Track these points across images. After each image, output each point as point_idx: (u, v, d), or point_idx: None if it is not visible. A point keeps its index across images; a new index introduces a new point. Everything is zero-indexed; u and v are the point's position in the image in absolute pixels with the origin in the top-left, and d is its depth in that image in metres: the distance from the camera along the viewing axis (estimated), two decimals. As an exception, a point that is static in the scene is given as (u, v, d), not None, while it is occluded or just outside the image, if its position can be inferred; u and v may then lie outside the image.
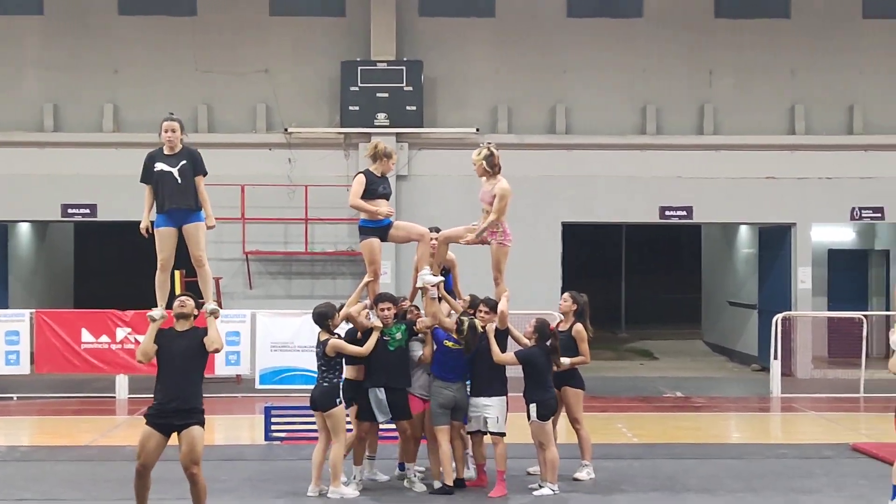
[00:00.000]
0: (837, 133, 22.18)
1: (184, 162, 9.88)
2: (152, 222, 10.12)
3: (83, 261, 28.05)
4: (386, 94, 21.10)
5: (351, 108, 21.18)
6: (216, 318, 9.61)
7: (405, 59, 21.34)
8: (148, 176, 9.96)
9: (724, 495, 11.30)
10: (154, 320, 9.47)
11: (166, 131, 9.93)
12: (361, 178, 11.19)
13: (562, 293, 20.46)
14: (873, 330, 22.90)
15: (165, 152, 9.95)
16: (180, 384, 9.15)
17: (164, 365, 9.24)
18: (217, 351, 9.52)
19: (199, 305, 9.53)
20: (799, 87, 22.23)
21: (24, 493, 11.27)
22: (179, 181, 9.84)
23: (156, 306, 9.72)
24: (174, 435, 9.16)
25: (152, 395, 9.39)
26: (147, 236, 10.07)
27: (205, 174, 10.03)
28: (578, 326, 11.77)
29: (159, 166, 9.88)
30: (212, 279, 10.19)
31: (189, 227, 9.93)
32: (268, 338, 18.53)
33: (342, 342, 10.97)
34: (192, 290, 10.20)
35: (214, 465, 12.42)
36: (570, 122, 22.09)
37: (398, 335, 11.11)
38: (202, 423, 9.24)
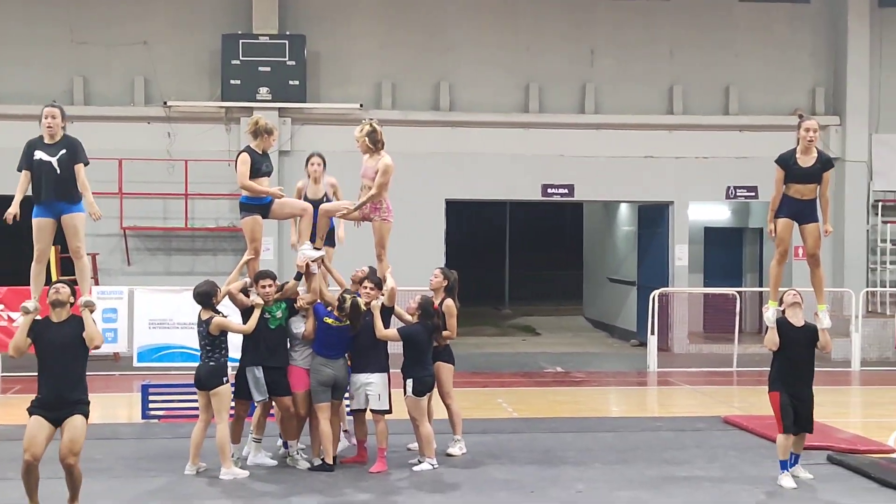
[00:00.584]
0: (714, 113, 22.66)
1: (63, 151, 9.58)
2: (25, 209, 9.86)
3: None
4: (268, 69, 20.92)
5: (232, 81, 20.97)
6: (91, 311, 9.29)
7: (288, 32, 21.17)
8: (27, 164, 9.64)
9: (598, 467, 11.45)
10: (28, 312, 9.17)
11: (46, 118, 9.61)
12: (245, 157, 11.06)
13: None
14: (747, 305, 23.56)
15: (45, 141, 9.63)
16: (62, 376, 8.93)
17: (44, 357, 8.98)
18: (97, 348, 9.33)
19: (75, 292, 9.28)
20: (677, 67, 22.64)
21: None
22: (59, 171, 9.55)
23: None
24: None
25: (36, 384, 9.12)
26: (11, 223, 9.76)
27: (86, 163, 9.75)
28: (448, 302, 11.80)
29: (38, 155, 9.56)
30: (90, 271, 10.02)
31: (67, 217, 9.66)
32: (146, 315, 18.29)
33: (226, 320, 10.88)
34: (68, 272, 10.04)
35: (90, 445, 12.10)
36: (454, 99, 22.17)
37: (278, 313, 11.04)
38: (86, 414, 9.04)
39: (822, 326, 10.67)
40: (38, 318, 9.14)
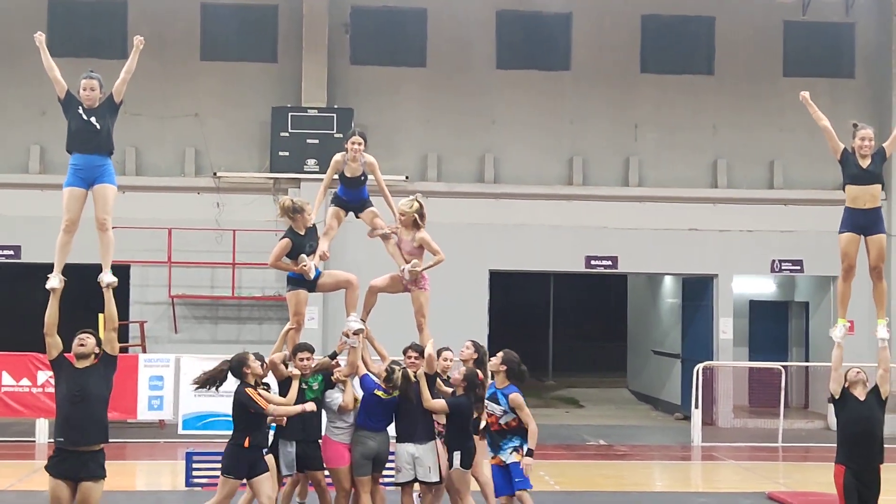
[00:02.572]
0: (758, 188, 22.65)
1: (102, 111, 9.53)
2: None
3: (5, 303, 27.64)
4: (316, 141, 21.14)
5: (281, 153, 21.23)
6: (112, 288, 9.26)
7: (336, 106, 21.45)
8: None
9: (643, 543, 11.46)
10: (55, 288, 9.13)
11: (84, 89, 9.52)
12: (285, 243, 11.01)
13: (489, 343, 20.83)
14: (792, 380, 23.33)
15: (85, 106, 9.51)
16: (80, 423, 8.80)
17: (62, 403, 8.89)
18: (115, 329, 9.21)
19: (98, 343, 9.12)
20: (721, 142, 22.69)
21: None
22: (98, 128, 9.46)
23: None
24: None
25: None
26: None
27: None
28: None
29: (78, 113, 9.48)
30: (113, 246, 9.66)
31: (99, 187, 9.46)
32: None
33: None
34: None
35: (135, 511, 12.39)
36: (499, 171, 22.31)
37: (315, 385, 10.99)
38: (103, 477, 8.95)
39: (881, 337, 10.50)
40: (65, 358, 9.04)
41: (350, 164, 11.49)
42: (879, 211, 10.60)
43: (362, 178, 11.55)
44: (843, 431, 10.45)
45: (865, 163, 10.54)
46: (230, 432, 16.45)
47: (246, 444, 10.08)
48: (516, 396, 10.67)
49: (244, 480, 10.34)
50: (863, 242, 10.65)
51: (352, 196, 11.54)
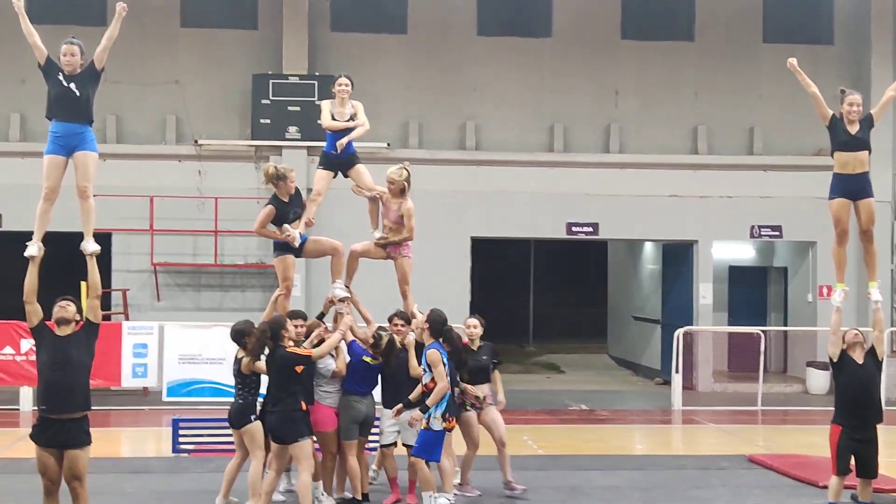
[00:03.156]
0: (738, 153, 22.70)
1: (82, 78, 9.48)
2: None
3: (-14, 271, 27.56)
4: (297, 108, 21.10)
5: (262, 120, 21.17)
6: (95, 256, 9.23)
7: (317, 73, 21.37)
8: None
9: (625, 504, 11.53)
10: (33, 256, 9.13)
11: (65, 55, 9.44)
12: (269, 210, 11.10)
13: (471, 307, 20.88)
14: (771, 345, 23.50)
15: (66, 72, 9.44)
16: (62, 390, 8.77)
17: (44, 370, 8.87)
18: (98, 297, 9.18)
19: (80, 310, 9.09)
20: (701, 108, 22.72)
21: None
22: (78, 94, 9.39)
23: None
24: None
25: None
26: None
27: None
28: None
29: (58, 79, 9.43)
30: (94, 214, 9.55)
31: (80, 155, 9.41)
32: (176, 350, 18.45)
33: (257, 361, 10.65)
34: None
35: (121, 478, 12.39)
36: (480, 138, 22.30)
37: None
38: (88, 444, 8.91)
39: (875, 299, 10.61)
40: (46, 326, 9.00)
41: (338, 108, 11.56)
42: (867, 176, 10.71)
43: (349, 120, 11.58)
44: (841, 393, 10.57)
45: (854, 129, 10.63)
46: (214, 399, 16.59)
47: (303, 407, 10.18)
48: (432, 352, 10.56)
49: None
50: (852, 208, 10.74)
51: (335, 146, 11.50)
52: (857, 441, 10.36)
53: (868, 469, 10.44)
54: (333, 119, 11.49)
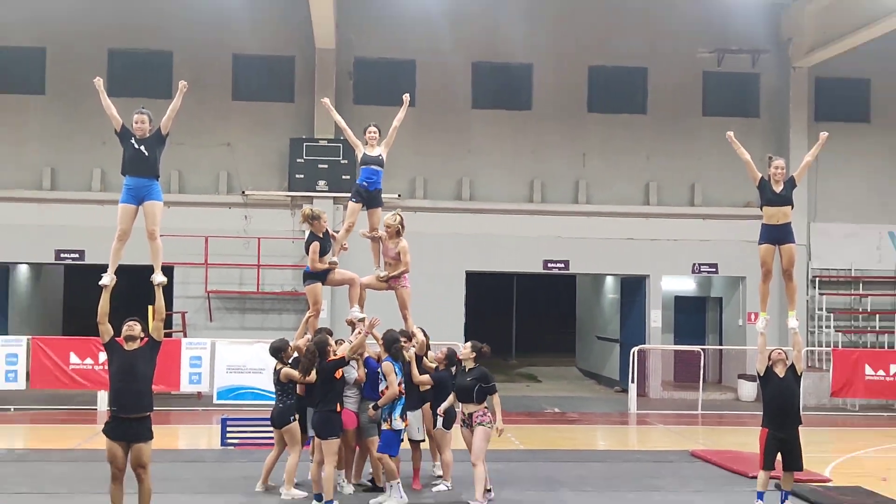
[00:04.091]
0: (682, 205, 22.69)
1: (150, 141, 9.45)
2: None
3: (72, 296, 27.52)
4: (326, 166, 21.15)
5: (297, 175, 21.19)
6: (162, 286, 9.20)
7: (342, 138, 21.26)
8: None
9: (590, 491, 11.43)
10: (106, 286, 9.06)
11: (137, 122, 9.45)
12: (316, 245, 11.04)
13: (465, 330, 20.79)
14: (709, 360, 23.44)
15: (137, 136, 9.42)
16: (129, 394, 8.71)
17: (114, 377, 8.81)
18: (163, 319, 9.14)
19: (145, 329, 9.01)
20: (652, 168, 22.75)
21: (21, 488, 11.06)
22: (146, 154, 9.36)
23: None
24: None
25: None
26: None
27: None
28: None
29: (130, 143, 9.42)
30: (162, 252, 9.45)
31: (148, 204, 9.38)
32: (224, 361, 18.40)
33: (292, 371, 10.63)
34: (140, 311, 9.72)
35: (179, 466, 12.31)
36: (473, 191, 22.30)
37: None
38: (150, 438, 8.82)
39: (792, 326, 10.60)
40: (116, 342, 8.92)
41: (368, 147, 11.71)
42: (790, 226, 10.71)
43: (380, 157, 11.64)
44: (767, 402, 10.53)
45: (778, 188, 10.67)
46: (256, 402, 16.52)
47: (338, 409, 10.04)
48: (386, 364, 10.45)
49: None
50: (777, 252, 10.74)
51: (370, 179, 11.53)
52: (781, 441, 10.30)
53: (793, 463, 10.38)
54: (366, 155, 11.59)
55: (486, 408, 10.30)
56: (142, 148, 9.42)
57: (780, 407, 10.34)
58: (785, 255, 10.68)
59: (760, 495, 10.41)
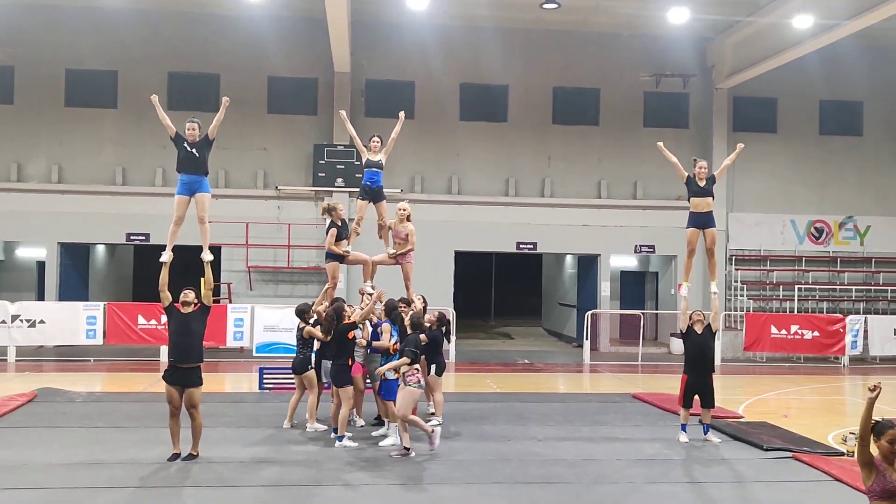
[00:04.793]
0: (627, 199, 22.68)
1: (200, 144, 9.41)
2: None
3: (139, 270, 27.44)
4: (343, 167, 21.03)
5: (319, 174, 21.07)
6: (210, 262, 9.19)
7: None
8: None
9: (552, 425, 11.46)
10: (164, 263, 9.02)
11: (189, 130, 9.35)
12: (333, 231, 10.97)
13: (453, 298, 20.78)
14: (647, 322, 23.52)
15: (188, 141, 9.35)
16: (185, 349, 8.71)
17: (173, 335, 8.81)
18: (211, 288, 9.08)
19: (198, 296, 8.98)
20: (603, 169, 22.72)
21: (98, 423, 11.06)
22: (197, 156, 9.32)
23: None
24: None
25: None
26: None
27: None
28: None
29: (184, 147, 9.38)
30: (209, 234, 9.45)
31: (199, 195, 9.34)
32: (262, 322, 18.38)
33: (314, 329, 10.64)
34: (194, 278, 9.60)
35: (224, 406, 12.33)
36: (461, 187, 22.25)
37: None
38: (200, 383, 8.80)
39: (714, 290, 10.66)
40: (174, 306, 8.89)
41: (371, 154, 11.49)
42: (712, 213, 10.77)
43: (380, 162, 11.44)
44: (687, 354, 10.61)
45: (702, 183, 10.71)
46: (287, 355, 16.46)
47: (350, 362, 9.88)
48: (384, 325, 10.32)
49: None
50: (701, 235, 10.78)
51: (372, 179, 11.34)
52: (698, 384, 10.41)
53: (707, 402, 10.49)
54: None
55: (417, 369, 9.59)
56: (193, 150, 9.39)
57: (697, 357, 10.43)
58: (708, 237, 10.75)
59: (684, 427, 10.52)
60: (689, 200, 10.83)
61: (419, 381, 9.62)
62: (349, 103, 21.30)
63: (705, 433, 10.54)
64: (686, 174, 10.80)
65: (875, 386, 5.05)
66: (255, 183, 21.58)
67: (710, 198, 10.70)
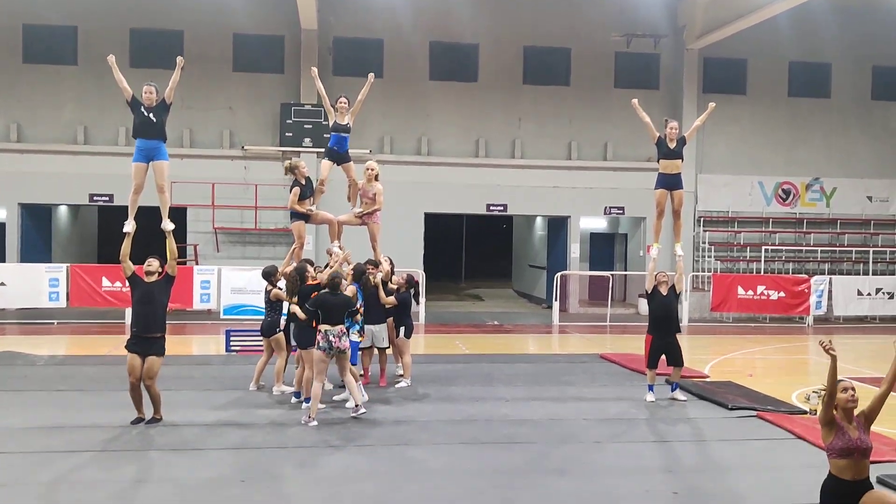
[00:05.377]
0: (597, 160, 22.64)
1: (157, 109, 9.03)
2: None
3: (104, 232, 26.96)
4: (310, 126, 20.74)
5: (287, 134, 20.75)
6: (171, 231, 8.93)
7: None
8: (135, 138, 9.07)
9: (520, 385, 11.49)
10: (128, 232, 8.77)
11: (146, 92, 9.03)
12: (296, 190, 10.78)
13: (423, 260, 20.72)
14: (616, 283, 23.65)
15: (145, 105, 9.00)
16: (147, 317, 8.54)
17: (136, 304, 8.63)
18: (175, 258, 8.80)
19: (162, 265, 8.76)
20: (574, 130, 22.63)
21: (61, 386, 10.88)
22: (154, 121, 8.96)
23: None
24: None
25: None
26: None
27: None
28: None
29: (141, 112, 8.97)
30: (169, 203, 9.20)
31: (156, 163, 8.99)
32: (229, 284, 18.18)
33: (280, 292, 10.48)
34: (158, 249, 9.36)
35: (190, 368, 12.20)
36: (430, 148, 22.05)
37: None
38: (162, 351, 8.64)
39: (679, 253, 10.64)
40: (137, 275, 8.67)
41: (339, 116, 11.17)
42: (680, 175, 10.72)
43: (347, 126, 11.17)
44: (651, 315, 10.64)
45: (672, 145, 10.64)
46: (254, 317, 16.35)
47: (314, 325, 9.47)
48: (350, 288, 10.09)
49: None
50: (669, 196, 10.74)
51: (338, 143, 11.10)
52: (663, 343, 10.45)
53: (675, 360, 10.54)
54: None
55: (320, 331, 9.17)
56: (150, 115, 9.05)
57: (662, 318, 10.47)
58: (676, 198, 10.72)
59: (651, 387, 10.59)
60: (658, 161, 10.77)
61: (321, 343, 9.06)
62: (316, 62, 20.86)
63: (673, 391, 10.63)
64: (657, 135, 10.72)
65: (826, 346, 5.08)
66: (220, 143, 21.18)
67: (680, 160, 10.66)
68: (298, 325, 9.78)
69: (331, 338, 8.94)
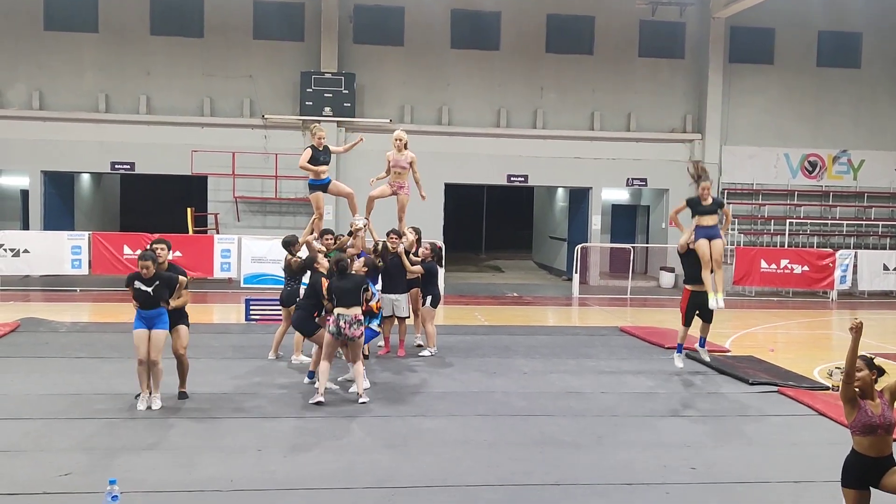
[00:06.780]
0: (620, 130, 22.37)
1: (157, 283, 8.13)
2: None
3: (126, 200, 27.12)
4: (330, 95, 20.61)
5: (307, 102, 20.65)
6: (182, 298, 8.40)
7: (344, 71, 20.85)
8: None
9: (539, 358, 11.44)
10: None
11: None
12: (308, 151, 10.71)
13: (444, 230, 20.66)
14: (637, 255, 23.48)
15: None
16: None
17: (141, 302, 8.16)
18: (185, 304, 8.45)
19: (168, 249, 8.49)
20: (597, 100, 22.33)
21: (81, 353, 10.97)
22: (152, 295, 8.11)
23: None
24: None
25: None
26: None
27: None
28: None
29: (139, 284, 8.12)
30: (163, 375, 8.30)
31: (154, 332, 8.14)
32: (249, 253, 18.24)
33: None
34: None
35: (210, 336, 12.25)
36: (451, 117, 21.87)
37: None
38: (167, 325, 8.18)
39: (718, 305, 10.19)
40: (136, 284, 8.19)
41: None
42: (717, 226, 10.40)
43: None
44: (688, 270, 10.42)
45: (707, 203, 10.34)
46: (274, 286, 16.39)
47: (315, 315, 9.28)
48: (359, 262, 9.87)
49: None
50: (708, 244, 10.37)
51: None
52: (700, 300, 10.20)
53: (706, 316, 10.35)
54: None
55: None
56: (149, 290, 8.10)
57: (697, 274, 10.23)
58: (715, 249, 10.30)
59: (680, 348, 10.46)
60: (693, 217, 10.43)
61: (331, 328, 8.70)
62: (337, 29, 20.76)
63: (701, 345, 10.52)
64: (684, 204, 10.42)
65: (855, 326, 4.93)
66: (241, 111, 21.11)
67: (715, 214, 10.45)
68: (298, 313, 9.42)
69: (341, 323, 8.57)
